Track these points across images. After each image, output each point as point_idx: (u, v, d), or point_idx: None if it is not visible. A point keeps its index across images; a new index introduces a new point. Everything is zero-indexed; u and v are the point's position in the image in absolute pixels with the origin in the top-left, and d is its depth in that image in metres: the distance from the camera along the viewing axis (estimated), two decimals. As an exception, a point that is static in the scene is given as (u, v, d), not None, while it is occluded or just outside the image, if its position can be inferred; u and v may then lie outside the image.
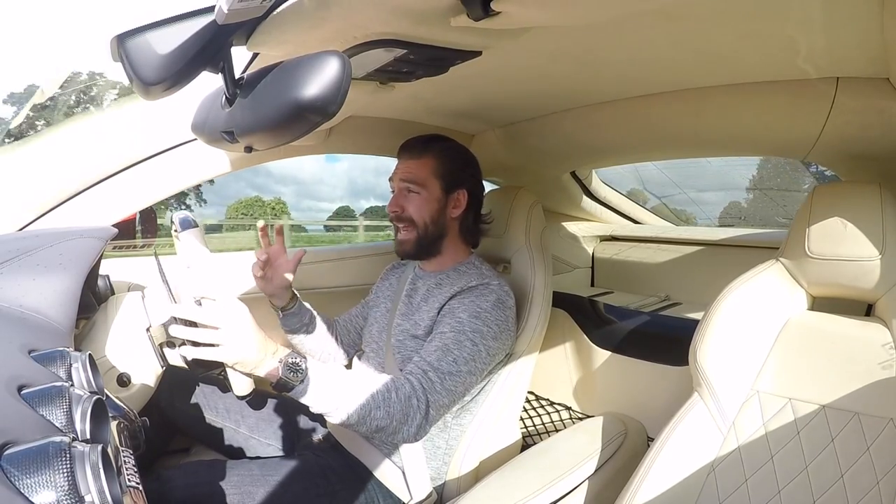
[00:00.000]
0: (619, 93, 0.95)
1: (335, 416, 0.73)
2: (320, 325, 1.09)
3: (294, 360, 0.71)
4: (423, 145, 0.98)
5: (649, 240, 1.63)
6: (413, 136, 1.01)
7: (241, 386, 0.80)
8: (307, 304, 1.07)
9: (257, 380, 0.77)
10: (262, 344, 0.70)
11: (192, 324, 0.69)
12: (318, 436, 1.07)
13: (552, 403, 1.26)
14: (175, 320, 0.70)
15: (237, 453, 1.04)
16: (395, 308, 1.02)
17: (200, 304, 0.71)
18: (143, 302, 0.83)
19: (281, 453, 1.05)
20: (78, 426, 0.38)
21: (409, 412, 0.76)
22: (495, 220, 1.12)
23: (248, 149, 0.54)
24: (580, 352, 1.20)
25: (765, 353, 0.75)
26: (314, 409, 0.73)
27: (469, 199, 1.00)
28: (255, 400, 1.06)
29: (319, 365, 0.74)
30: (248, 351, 0.68)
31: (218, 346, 0.67)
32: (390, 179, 1.01)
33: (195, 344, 0.68)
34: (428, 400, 0.79)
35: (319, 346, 1.09)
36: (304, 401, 0.72)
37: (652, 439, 0.86)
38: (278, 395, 1.11)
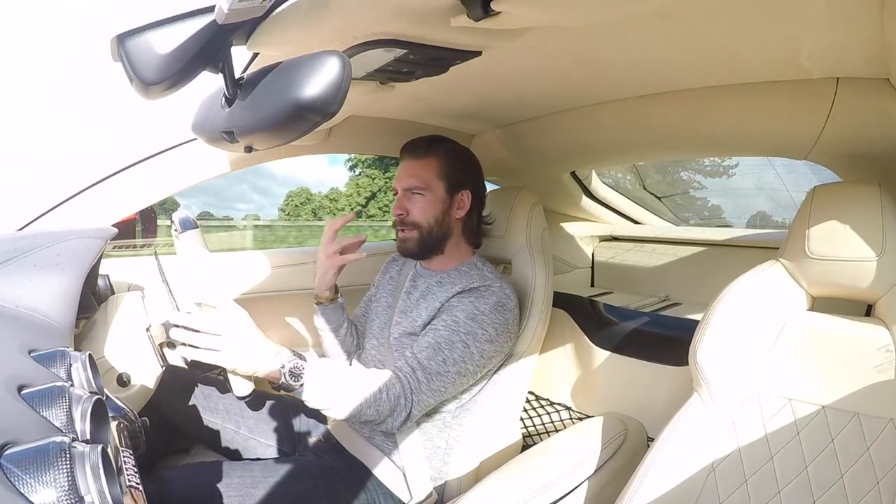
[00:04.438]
0: (619, 93, 0.95)
1: (330, 412, 0.77)
2: (349, 326, 1.10)
3: (295, 363, 0.73)
4: (426, 146, 0.97)
5: (649, 240, 1.63)
6: (413, 136, 1.01)
7: (241, 387, 0.80)
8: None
9: (257, 380, 0.77)
10: (263, 348, 0.71)
11: (193, 328, 0.69)
12: (318, 436, 1.07)
13: (552, 403, 1.25)
14: (177, 326, 0.70)
15: (237, 454, 1.04)
16: (395, 304, 1.03)
17: (200, 308, 0.71)
18: (143, 302, 0.83)
19: (281, 454, 1.05)
20: (78, 426, 0.38)
21: (396, 409, 0.81)
22: (496, 221, 1.12)
23: (248, 149, 0.55)
24: (580, 352, 1.20)
25: (765, 354, 0.75)
26: (311, 405, 0.76)
27: (472, 200, 1.00)
28: (255, 400, 1.06)
29: (318, 365, 0.76)
30: (248, 356, 0.69)
31: (217, 351, 0.67)
32: (394, 188, 1.01)
33: (195, 348, 0.68)
34: (413, 400, 0.82)
35: (351, 345, 1.10)
36: (302, 397, 0.75)
37: (652, 439, 0.86)
38: (278, 395, 1.11)
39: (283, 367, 0.72)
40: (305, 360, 0.74)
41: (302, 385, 0.73)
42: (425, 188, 0.96)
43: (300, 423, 1.09)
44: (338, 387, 0.77)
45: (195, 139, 0.89)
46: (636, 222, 1.80)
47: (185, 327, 0.68)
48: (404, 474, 0.91)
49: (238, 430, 1.04)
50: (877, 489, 0.61)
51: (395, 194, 1.00)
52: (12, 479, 0.29)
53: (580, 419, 1.17)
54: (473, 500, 0.76)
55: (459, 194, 0.98)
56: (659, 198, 1.92)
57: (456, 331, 0.86)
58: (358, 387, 0.79)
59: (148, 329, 0.80)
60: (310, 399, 0.75)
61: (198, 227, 0.82)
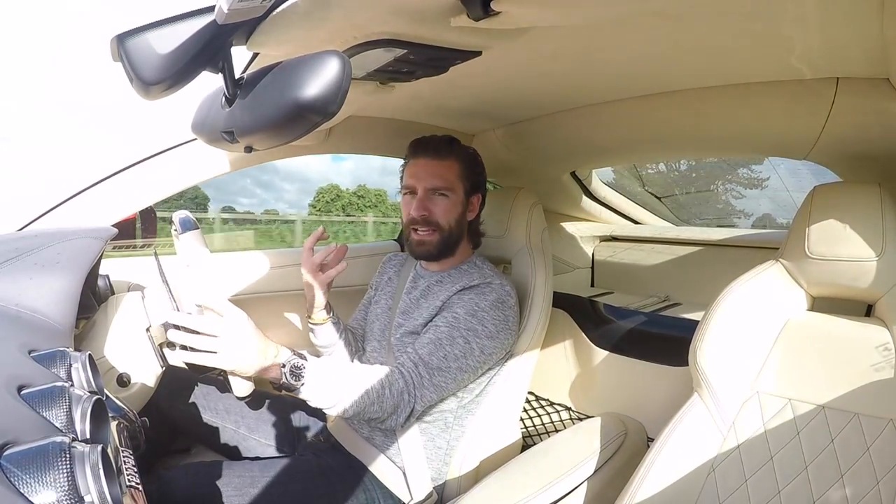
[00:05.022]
0: (619, 93, 0.95)
1: (332, 411, 0.77)
2: (347, 337, 1.07)
3: (295, 363, 0.73)
4: (446, 147, 0.96)
5: (649, 240, 1.63)
6: (413, 136, 1.01)
7: (241, 387, 0.80)
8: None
9: (257, 380, 0.77)
10: (262, 349, 0.70)
11: (192, 329, 0.69)
12: (317, 436, 1.07)
13: (552, 403, 1.25)
14: (175, 327, 0.70)
15: (237, 453, 1.04)
16: (395, 306, 1.03)
17: (201, 311, 0.71)
18: (143, 302, 0.83)
19: (280, 453, 1.05)
20: (78, 426, 0.38)
21: (399, 405, 0.81)
22: (496, 221, 1.12)
23: (248, 149, 0.55)
24: (580, 352, 1.20)
25: (765, 354, 0.75)
26: (313, 405, 0.76)
27: (480, 202, 1.02)
28: (255, 400, 1.06)
29: (319, 363, 0.76)
30: (247, 359, 0.69)
31: (215, 353, 0.67)
32: (407, 187, 0.97)
33: (194, 350, 0.68)
34: (416, 395, 0.82)
35: (352, 353, 1.07)
36: (303, 397, 0.74)
37: (652, 439, 0.86)
38: (278, 395, 1.11)
39: (283, 366, 0.71)
40: (306, 360, 0.74)
41: (303, 384, 0.72)
42: (450, 189, 0.95)
43: (299, 422, 1.09)
44: (340, 385, 0.77)
45: (195, 139, 0.89)
46: (636, 222, 1.80)
47: (183, 328, 0.68)
48: (404, 474, 0.91)
49: (237, 429, 1.04)
50: (877, 489, 0.61)
51: (407, 193, 0.98)
52: (12, 479, 0.29)
53: (580, 419, 1.17)
54: (473, 501, 0.76)
55: (474, 197, 0.99)
56: (659, 198, 1.92)
57: (456, 327, 0.86)
58: (360, 384, 0.78)
59: (148, 329, 0.80)
60: (312, 399, 0.74)
61: (198, 228, 0.82)
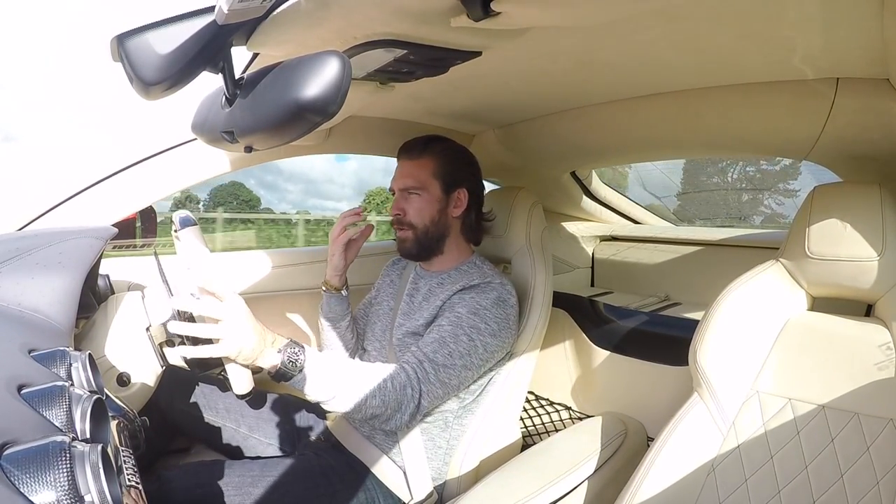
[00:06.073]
0: (619, 93, 0.95)
1: (332, 404, 0.76)
2: (351, 322, 1.11)
3: (293, 349, 0.72)
4: (421, 147, 0.98)
5: (649, 240, 1.63)
6: (413, 136, 1.01)
7: (241, 385, 0.80)
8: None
9: (257, 379, 0.77)
10: (261, 335, 0.70)
11: (191, 320, 0.69)
12: (318, 435, 1.07)
13: (552, 403, 1.25)
14: (177, 314, 0.70)
15: (237, 453, 1.04)
16: (397, 307, 1.03)
17: (201, 294, 0.71)
18: (143, 302, 0.83)
19: (281, 453, 1.05)
20: (78, 426, 0.38)
21: (403, 401, 0.79)
22: (496, 221, 1.12)
23: (248, 149, 0.55)
24: (580, 352, 1.20)
25: (765, 354, 0.75)
26: (311, 398, 0.75)
27: (469, 197, 1.00)
28: (255, 399, 1.06)
29: (317, 354, 0.75)
30: (249, 342, 0.68)
31: (219, 340, 0.67)
32: (390, 190, 1.01)
33: (195, 342, 0.68)
34: (421, 389, 0.81)
35: (350, 341, 1.10)
36: (300, 387, 0.73)
37: (652, 439, 0.86)
38: (278, 394, 1.11)
39: (280, 351, 0.71)
40: (303, 348, 0.73)
41: (301, 371, 0.71)
42: (421, 188, 0.96)
43: (300, 421, 1.10)
44: (339, 375, 0.75)
45: (195, 139, 0.89)
46: (636, 222, 1.80)
47: (185, 314, 0.68)
48: (405, 474, 0.91)
49: (238, 428, 1.04)
50: (877, 489, 0.61)
51: (392, 194, 1.01)
52: (12, 479, 0.29)
53: (580, 419, 1.17)
54: (473, 500, 0.76)
55: (456, 192, 0.99)
56: (660, 198, 1.92)
57: (459, 325, 0.86)
58: (361, 376, 0.77)
59: (148, 329, 0.80)
60: (310, 389, 0.73)
61: (197, 225, 0.82)
